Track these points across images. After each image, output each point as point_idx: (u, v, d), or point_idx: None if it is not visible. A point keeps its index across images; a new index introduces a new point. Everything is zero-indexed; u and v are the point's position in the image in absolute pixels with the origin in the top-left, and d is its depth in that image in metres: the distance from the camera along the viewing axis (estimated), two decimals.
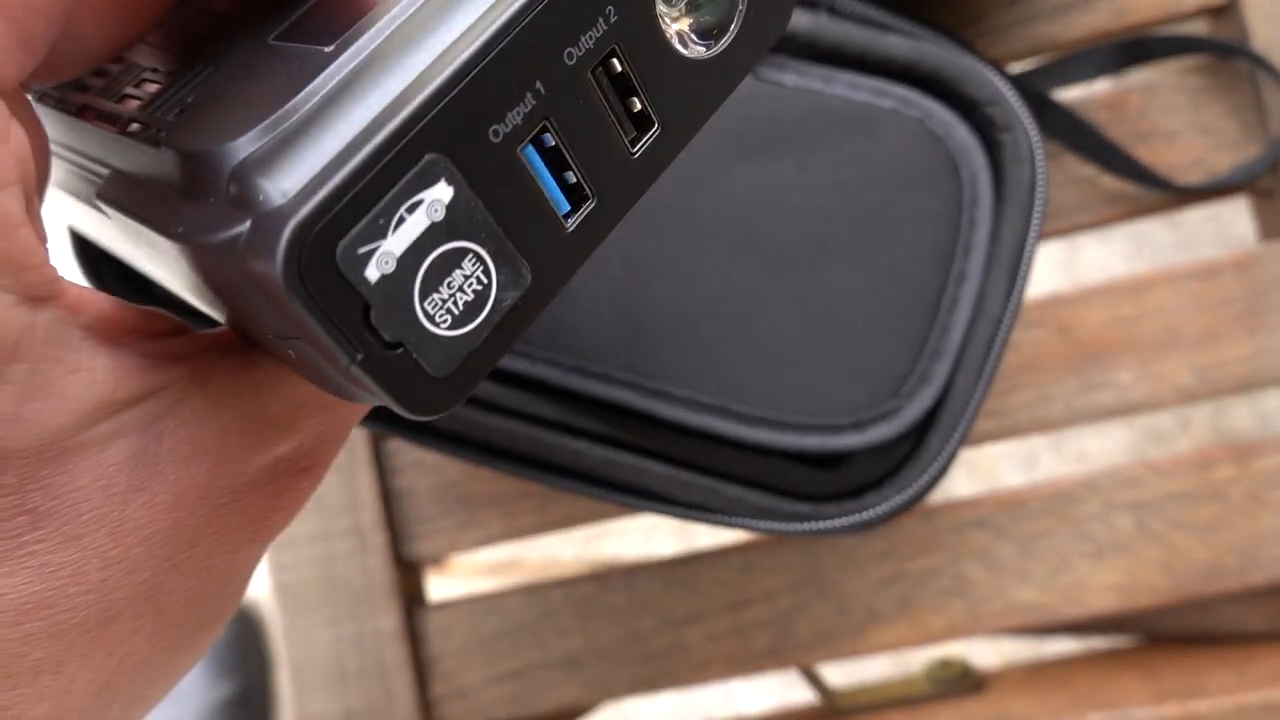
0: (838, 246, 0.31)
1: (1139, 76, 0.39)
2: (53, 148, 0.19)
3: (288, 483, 0.16)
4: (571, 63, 0.14)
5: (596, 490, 0.31)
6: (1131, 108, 0.39)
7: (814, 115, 0.32)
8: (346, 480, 0.41)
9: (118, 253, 0.20)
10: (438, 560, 0.42)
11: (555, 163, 0.14)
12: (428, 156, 0.13)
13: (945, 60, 0.32)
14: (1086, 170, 0.38)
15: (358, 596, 0.41)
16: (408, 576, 0.42)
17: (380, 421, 0.34)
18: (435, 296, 0.13)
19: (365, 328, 0.13)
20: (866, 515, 0.31)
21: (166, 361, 0.15)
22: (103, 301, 0.15)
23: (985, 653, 0.52)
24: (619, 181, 0.15)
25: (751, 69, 0.17)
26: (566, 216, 0.15)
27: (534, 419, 0.32)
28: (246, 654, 0.86)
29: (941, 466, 0.31)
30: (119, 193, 0.16)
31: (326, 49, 0.14)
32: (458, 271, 0.14)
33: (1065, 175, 0.39)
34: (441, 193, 0.13)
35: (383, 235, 0.13)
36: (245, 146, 0.13)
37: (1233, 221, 0.58)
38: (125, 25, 0.17)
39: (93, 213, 0.18)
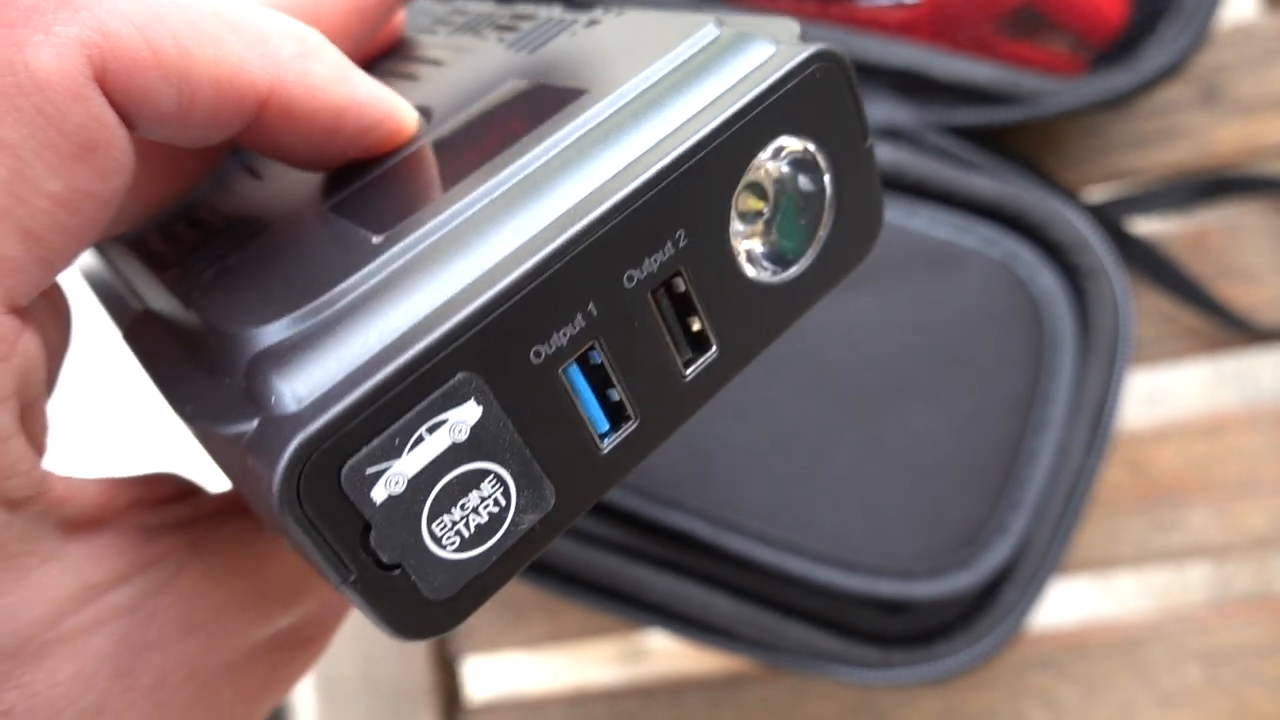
0: (914, 387, 0.31)
1: (1221, 213, 0.38)
2: (95, 263, 0.19)
3: (287, 655, 0.15)
4: (631, 285, 0.13)
5: (661, 622, 0.31)
6: (1212, 244, 0.38)
7: (896, 251, 0.32)
8: None
9: None
10: (480, 659, 0.41)
11: (598, 380, 0.13)
12: (459, 375, 0.12)
13: (1030, 202, 0.31)
14: (1164, 304, 0.38)
15: (398, 695, 0.40)
16: (448, 677, 0.41)
17: None
18: (445, 518, 0.12)
19: (362, 549, 0.12)
20: (936, 668, 0.30)
21: (165, 531, 0.14)
22: (92, 488, 0.14)
23: None
24: (665, 403, 0.14)
25: (824, 296, 0.15)
26: (603, 437, 0.13)
27: (595, 540, 0.32)
28: None
29: (1016, 621, 0.30)
30: (143, 339, 0.15)
31: (375, 239, 0.13)
32: (474, 493, 0.12)
33: (1143, 307, 0.38)
34: (468, 413, 0.12)
35: (396, 455, 0.12)
36: (269, 335, 0.12)
37: None
38: (162, 188, 0.16)
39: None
